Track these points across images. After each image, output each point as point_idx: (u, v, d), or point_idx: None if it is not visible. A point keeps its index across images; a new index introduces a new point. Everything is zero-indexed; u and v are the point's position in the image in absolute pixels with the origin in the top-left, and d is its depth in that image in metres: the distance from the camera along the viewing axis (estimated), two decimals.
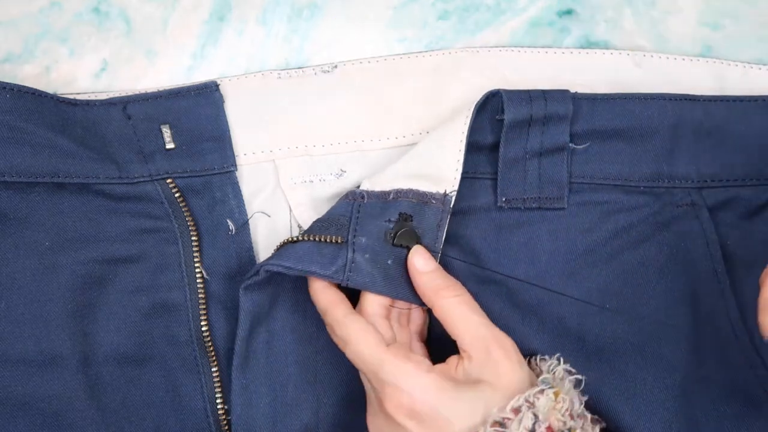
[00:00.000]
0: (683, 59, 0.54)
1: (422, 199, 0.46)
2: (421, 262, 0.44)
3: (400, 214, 0.45)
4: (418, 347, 0.46)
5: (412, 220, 0.45)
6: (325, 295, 0.45)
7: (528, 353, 0.45)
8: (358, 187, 0.48)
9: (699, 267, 0.48)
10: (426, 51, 0.54)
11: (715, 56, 0.54)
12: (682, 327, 0.46)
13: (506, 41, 0.54)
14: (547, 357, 0.44)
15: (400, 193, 0.46)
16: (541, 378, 0.41)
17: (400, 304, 0.45)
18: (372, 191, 0.47)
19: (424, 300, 0.44)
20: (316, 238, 0.45)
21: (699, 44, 0.54)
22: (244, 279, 0.45)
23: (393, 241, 0.45)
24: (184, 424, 0.47)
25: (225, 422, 0.47)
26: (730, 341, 0.47)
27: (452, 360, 0.42)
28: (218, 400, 0.47)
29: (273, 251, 0.46)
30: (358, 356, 0.42)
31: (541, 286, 0.47)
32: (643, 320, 0.47)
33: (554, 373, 0.42)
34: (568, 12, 0.55)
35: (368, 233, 0.45)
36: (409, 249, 0.45)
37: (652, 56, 0.53)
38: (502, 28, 0.54)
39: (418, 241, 0.45)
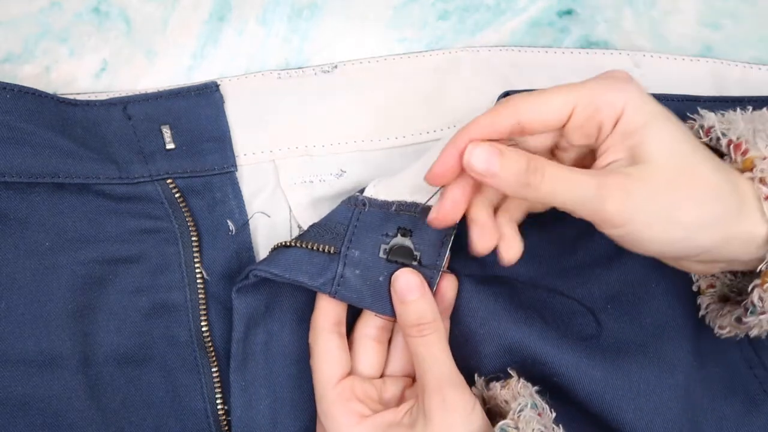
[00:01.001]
0: (683, 59, 0.54)
1: (426, 214, 0.44)
2: (402, 290, 0.42)
3: (398, 228, 0.44)
4: None
5: (411, 235, 0.44)
6: (322, 298, 0.45)
7: (530, 354, 0.44)
8: (362, 191, 0.47)
9: None
10: (426, 51, 0.54)
11: (715, 56, 0.54)
12: (683, 327, 0.47)
13: (506, 41, 0.54)
14: (528, 387, 0.42)
15: (402, 206, 0.45)
16: (499, 425, 0.39)
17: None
18: (375, 199, 0.46)
19: (400, 329, 0.44)
20: (309, 246, 0.44)
21: (699, 44, 0.54)
22: (235, 282, 0.45)
23: (387, 257, 0.44)
24: (184, 424, 0.47)
25: (225, 423, 0.47)
26: (729, 341, 0.47)
27: (407, 404, 0.42)
28: (218, 401, 0.47)
29: (269, 252, 0.46)
30: (312, 374, 0.44)
31: (546, 288, 0.47)
32: (644, 320, 0.47)
33: (520, 416, 0.40)
34: (568, 12, 0.55)
35: (362, 247, 0.44)
36: (403, 265, 0.44)
37: (652, 56, 0.54)
38: (502, 28, 0.54)
39: (414, 258, 0.44)
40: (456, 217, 0.41)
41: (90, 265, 0.47)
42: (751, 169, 0.39)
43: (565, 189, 0.38)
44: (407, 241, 0.44)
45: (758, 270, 0.39)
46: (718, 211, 0.38)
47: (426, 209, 0.44)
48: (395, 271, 0.43)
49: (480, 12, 0.54)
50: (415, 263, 0.44)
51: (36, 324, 0.45)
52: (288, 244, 0.45)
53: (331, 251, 0.44)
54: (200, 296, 0.48)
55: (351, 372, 0.44)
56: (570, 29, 0.55)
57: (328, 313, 0.44)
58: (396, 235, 0.44)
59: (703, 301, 0.46)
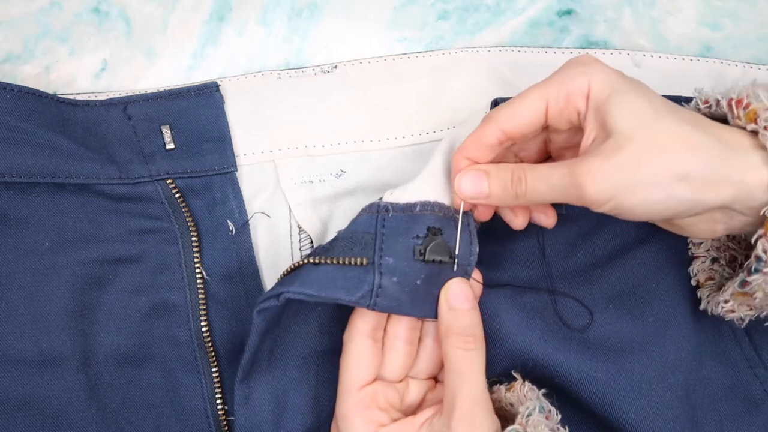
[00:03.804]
0: (683, 59, 0.54)
1: (448, 213, 0.44)
2: (454, 296, 0.42)
3: (428, 228, 0.43)
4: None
5: (441, 234, 0.43)
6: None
7: (531, 356, 0.44)
8: (381, 198, 0.45)
9: None
10: (426, 51, 0.54)
11: (715, 56, 0.54)
12: (683, 327, 0.47)
13: (506, 41, 0.54)
14: (534, 390, 0.42)
15: (426, 206, 0.43)
16: (508, 430, 0.39)
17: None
18: (396, 203, 0.44)
19: (440, 336, 0.42)
20: (340, 261, 0.42)
21: (699, 44, 0.55)
22: (258, 302, 0.43)
23: (424, 257, 0.42)
24: (184, 424, 0.47)
25: (225, 423, 0.47)
26: (730, 341, 0.47)
27: (425, 413, 0.42)
28: (218, 401, 0.47)
29: (288, 269, 0.44)
30: (339, 373, 0.43)
31: (546, 289, 0.47)
32: (646, 320, 0.47)
33: (528, 420, 0.39)
34: (568, 12, 0.55)
35: (395, 253, 0.42)
36: (441, 263, 0.42)
37: (651, 56, 0.54)
38: (502, 28, 0.54)
39: (451, 255, 0.42)
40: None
41: (90, 265, 0.47)
42: (755, 121, 0.39)
43: (546, 187, 0.40)
44: (440, 239, 0.43)
45: (762, 213, 0.38)
46: (697, 164, 0.37)
47: (452, 209, 0.44)
48: (433, 272, 0.42)
49: (480, 12, 0.54)
50: (451, 260, 0.42)
51: (36, 324, 0.45)
52: (317, 261, 0.43)
53: (364, 263, 0.41)
54: (200, 296, 0.48)
55: (377, 377, 0.43)
56: (570, 29, 0.55)
57: (367, 316, 0.43)
58: (427, 236, 0.43)
59: (703, 293, 0.46)
